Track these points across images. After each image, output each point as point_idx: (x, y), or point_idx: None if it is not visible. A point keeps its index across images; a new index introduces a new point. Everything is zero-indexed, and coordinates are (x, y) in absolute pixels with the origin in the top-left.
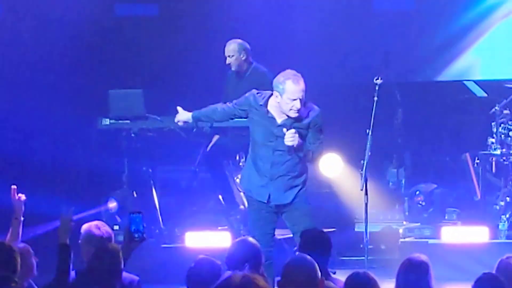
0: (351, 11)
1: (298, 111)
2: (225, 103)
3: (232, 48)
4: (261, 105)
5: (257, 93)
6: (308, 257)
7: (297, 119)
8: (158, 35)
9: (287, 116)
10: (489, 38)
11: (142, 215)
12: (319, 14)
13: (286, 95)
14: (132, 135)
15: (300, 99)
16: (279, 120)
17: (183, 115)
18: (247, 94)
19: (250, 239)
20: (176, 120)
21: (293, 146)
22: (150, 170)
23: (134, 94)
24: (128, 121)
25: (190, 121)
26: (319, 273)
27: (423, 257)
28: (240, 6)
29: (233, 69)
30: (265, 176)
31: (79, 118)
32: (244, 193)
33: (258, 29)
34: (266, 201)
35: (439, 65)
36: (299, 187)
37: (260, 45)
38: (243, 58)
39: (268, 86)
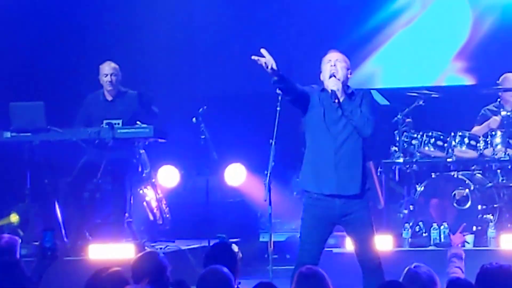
0: (255, 22)
1: (337, 72)
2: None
3: (114, 66)
4: (322, 89)
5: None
6: (225, 269)
7: (347, 99)
8: (59, 47)
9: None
10: (390, 46)
11: (55, 232)
12: (221, 24)
13: (323, 63)
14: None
15: (337, 60)
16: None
17: (270, 59)
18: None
19: (156, 253)
20: (261, 61)
21: (337, 90)
22: (49, 182)
23: (35, 106)
24: (29, 134)
25: (274, 75)
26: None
27: (315, 268)
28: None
29: (109, 88)
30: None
31: None
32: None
33: (162, 37)
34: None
35: None
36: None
37: (162, 52)
38: (120, 79)
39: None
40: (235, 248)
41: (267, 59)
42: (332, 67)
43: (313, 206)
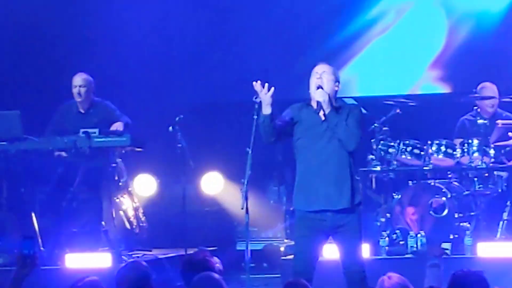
0: (231, 31)
1: (322, 84)
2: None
3: (84, 78)
4: (307, 104)
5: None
6: (216, 275)
7: (334, 112)
8: (36, 56)
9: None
10: (366, 55)
11: (35, 240)
12: (197, 33)
13: (311, 76)
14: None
15: (324, 72)
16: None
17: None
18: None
19: (140, 262)
20: (262, 97)
21: (323, 102)
22: (25, 191)
23: (11, 115)
24: (5, 143)
25: (268, 112)
26: None
27: (302, 281)
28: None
29: (79, 100)
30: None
31: None
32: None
33: (139, 46)
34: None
35: None
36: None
37: (138, 61)
38: (92, 91)
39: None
40: (216, 260)
41: (269, 94)
42: (318, 80)
43: (305, 218)
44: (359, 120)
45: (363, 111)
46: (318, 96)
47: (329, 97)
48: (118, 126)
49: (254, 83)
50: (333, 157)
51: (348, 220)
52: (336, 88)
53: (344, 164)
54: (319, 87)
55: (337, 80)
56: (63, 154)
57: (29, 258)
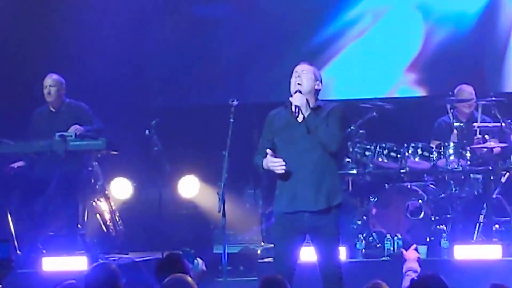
0: (207, 34)
1: (300, 85)
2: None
3: (55, 78)
4: (285, 106)
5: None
6: (189, 278)
7: (313, 114)
8: (9, 59)
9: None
10: (343, 58)
11: (9, 244)
12: (173, 35)
13: (292, 76)
14: None
15: (303, 71)
16: (299, 119)
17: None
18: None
19: (109, 264)
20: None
21: (300, 105)
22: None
23: None
24: None
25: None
26: None
27: (279, 276)
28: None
29: (49, 100)
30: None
31: None
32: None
33: (114, 49)
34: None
35: None
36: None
37: (113, 64)
38: (63, 92)
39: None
40: (199, 261)
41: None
42: (297, 79)
43: (283, 219)
44: (341, 120)
45: (344, 111)
46: (295, 100)
47: (309, 96)
48: (76, 129)
49: (268, 150)
50: (311, 159)
51: (325, 222)
52: (317, 87)
53: (323, 165)
54: (297, 91)
55: (317, 79)
56: (20, 164)
57: (5, 261)
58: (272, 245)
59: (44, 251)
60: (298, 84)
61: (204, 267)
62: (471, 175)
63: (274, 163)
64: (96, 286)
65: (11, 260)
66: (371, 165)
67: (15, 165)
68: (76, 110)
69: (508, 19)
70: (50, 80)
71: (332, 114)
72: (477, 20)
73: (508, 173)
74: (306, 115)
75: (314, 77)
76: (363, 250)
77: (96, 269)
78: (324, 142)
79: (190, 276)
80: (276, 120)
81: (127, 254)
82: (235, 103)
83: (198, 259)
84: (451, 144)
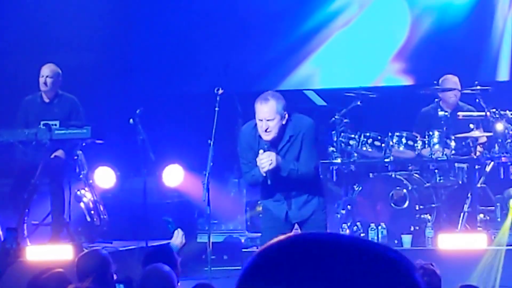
0: (192, 23)
1: (269, 132)
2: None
3: (52, 69)
4: (255, 125)
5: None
6: (166, 267)
7: (277, 139)
8: None
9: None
10: (328, 47)
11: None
12: (158, 24)
13: (256, 116)
14: None
15: (268, 120)
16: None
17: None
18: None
19: (100, 251)
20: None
21: (268, 169)
22: None
23: None
24: None
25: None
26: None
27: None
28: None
29: (43, 89)
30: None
31: None
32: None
33: (99, 37)
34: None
35: (279, 74)
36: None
37: (98, 52)
38: (59, 83)
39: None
40: (179, 232)
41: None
42: (264, 126)
43: (270, 210)
44: (313, 144)
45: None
46: (264, 169)
47: (279, 130)
48: (59, 153)
49: (261, 151)
50: (288, 178)
51: (312, 215)
52: (286, 117)
53: (300, 183)
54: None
55: (283, 112)
56: None
57: (12, 250)
58: (257, 234)
59: (28, 240)
60: (267, 131)
61: (183, 239)
62: (456, 164)
63: (261, 160)
64: (88, 272)
65: (19, 249)
66: (355, 154)
67: None
68: (68, 104)
69: (493, 9)
70: (48, 70)
71: (305, 141)
72: (462, 11)
73: (492, 162)
74: (279, 149)
75: (280, 116)
76: None
77: (87, 255)
78: (302, 175)
79: (177, 269)
80: (252, 142)
81: (111, 243)
82: (220, 91)
83: (179, 229)
84: (436, 133)
